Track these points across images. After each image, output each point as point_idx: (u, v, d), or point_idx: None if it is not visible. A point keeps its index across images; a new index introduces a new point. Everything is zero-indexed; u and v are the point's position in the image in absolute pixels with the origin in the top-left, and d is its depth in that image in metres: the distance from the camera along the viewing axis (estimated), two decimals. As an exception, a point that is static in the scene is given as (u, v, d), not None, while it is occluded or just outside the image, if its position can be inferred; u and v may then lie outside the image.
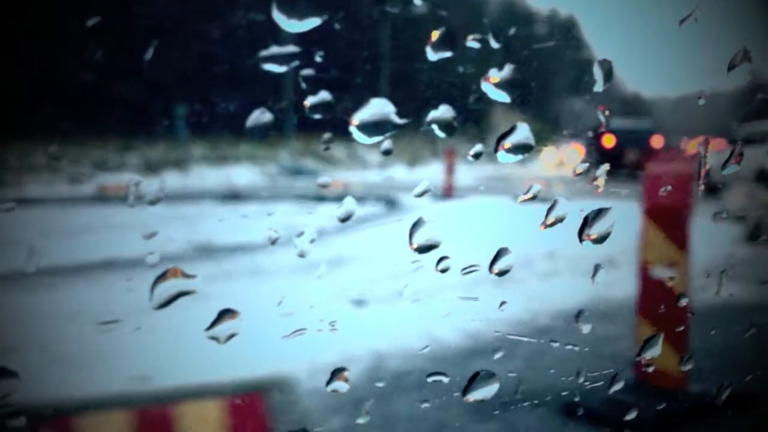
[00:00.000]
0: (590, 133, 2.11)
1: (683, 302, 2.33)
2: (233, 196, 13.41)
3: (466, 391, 1.64)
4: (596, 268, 1.88)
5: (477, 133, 1.62)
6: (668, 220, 4.51)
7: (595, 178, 1.75)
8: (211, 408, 2.19)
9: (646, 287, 4.38)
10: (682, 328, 2.84)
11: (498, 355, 1.83)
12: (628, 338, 4.23)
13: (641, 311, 4.29)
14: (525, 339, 2.36)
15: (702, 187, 2.01)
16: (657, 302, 3.94)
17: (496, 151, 1.57)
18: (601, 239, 1.70)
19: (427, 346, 3.96)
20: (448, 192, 15.37)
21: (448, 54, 1.44)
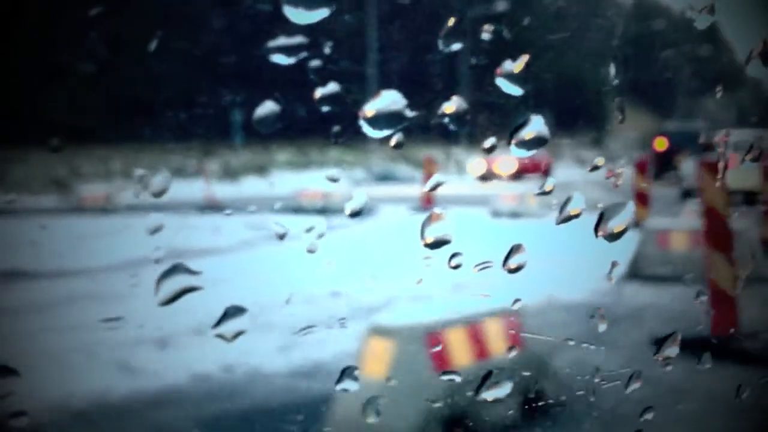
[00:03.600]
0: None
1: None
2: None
3: (478, 390, 1.61)
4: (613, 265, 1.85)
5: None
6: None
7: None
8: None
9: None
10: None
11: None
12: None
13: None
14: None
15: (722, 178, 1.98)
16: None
17: (509, 144, 1.53)
18: (616, 236, 1.66)
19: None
20: (426, 203, 13.52)
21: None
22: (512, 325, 3.46)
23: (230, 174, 17.70)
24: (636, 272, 7.65)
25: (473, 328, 3.53)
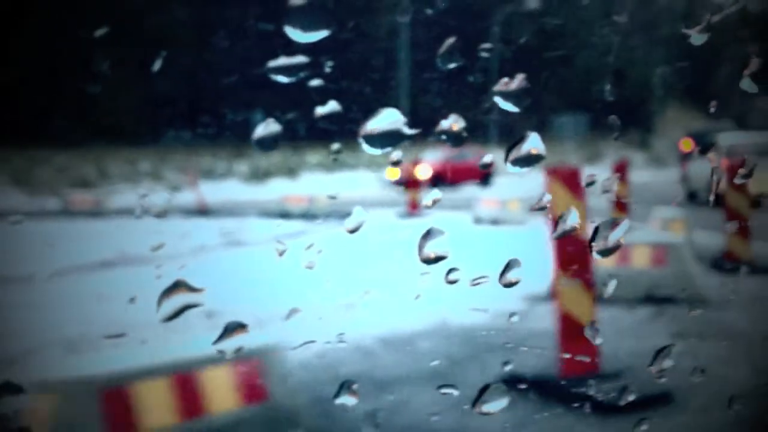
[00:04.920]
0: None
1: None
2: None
3: (476, 403, 1.62)
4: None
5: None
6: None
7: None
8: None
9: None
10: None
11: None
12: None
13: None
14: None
15: (713, 198, 1.99)
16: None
17: (506, 161, 1.55)
18: (608, 252, 1.67)
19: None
20: (412, 208, 13.85)
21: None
22: (252, 372, 2.84)
23: (259, 176, 17.63)
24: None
25: (183, 378, 2.75)
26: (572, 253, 4.22)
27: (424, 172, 16.30)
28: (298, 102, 1.27)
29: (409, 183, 14.55)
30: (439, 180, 17.29)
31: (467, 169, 18.28)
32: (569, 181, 4.19)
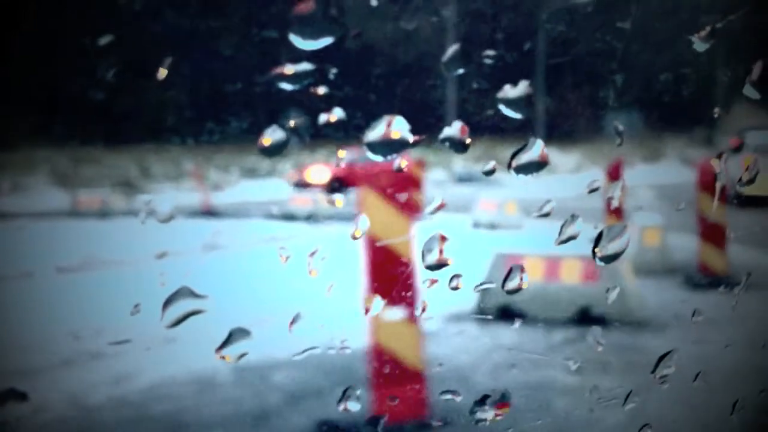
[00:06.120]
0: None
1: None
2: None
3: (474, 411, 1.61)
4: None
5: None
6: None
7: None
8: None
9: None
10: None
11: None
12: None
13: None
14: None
15: (718, 202, 1.97)
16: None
17: (509, 167, 1.55)
18: (612, 257, 1.67)
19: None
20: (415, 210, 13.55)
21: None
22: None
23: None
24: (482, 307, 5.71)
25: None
26: (392, 274, 3.14)
27: (317, 175, 15.50)
28: (303, 108, 1.27)
29: (305, 186, 14.27)
30: (341, 184, 16.59)
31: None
32: (384, 189, 3.46)
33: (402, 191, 3.48)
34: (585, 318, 5.46)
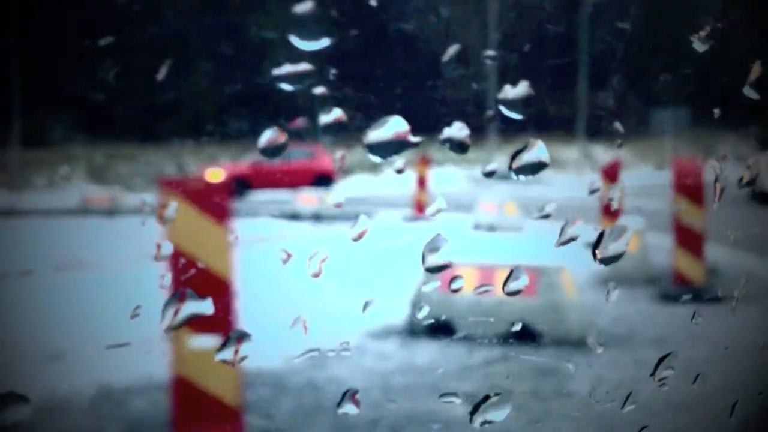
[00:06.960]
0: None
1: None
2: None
3: (474, 412, 1.60)
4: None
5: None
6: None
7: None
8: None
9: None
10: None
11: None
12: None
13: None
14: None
15: (717, 203, 1.97)
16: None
17: (510, 168, 1.54)
18: (613, 259, 1.66)
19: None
20: (418, 209, 13.10)
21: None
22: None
23: (345, 171, 17.58)
24: (411, 324, 5.62)
25: None
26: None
27: (213, 175, 15.08)
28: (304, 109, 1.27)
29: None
30: (243, 185, 16.17)
31: (291, 172, 16.87)
32: (198, 197, 2.99)
33: (214, 200, 2.98)
34: (512, 336, 4.68)
